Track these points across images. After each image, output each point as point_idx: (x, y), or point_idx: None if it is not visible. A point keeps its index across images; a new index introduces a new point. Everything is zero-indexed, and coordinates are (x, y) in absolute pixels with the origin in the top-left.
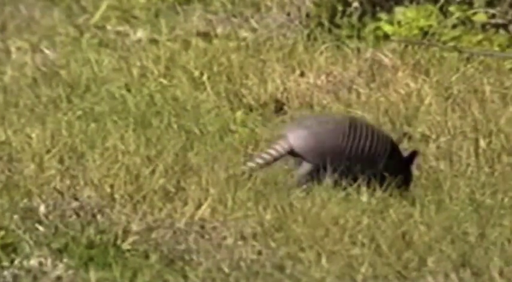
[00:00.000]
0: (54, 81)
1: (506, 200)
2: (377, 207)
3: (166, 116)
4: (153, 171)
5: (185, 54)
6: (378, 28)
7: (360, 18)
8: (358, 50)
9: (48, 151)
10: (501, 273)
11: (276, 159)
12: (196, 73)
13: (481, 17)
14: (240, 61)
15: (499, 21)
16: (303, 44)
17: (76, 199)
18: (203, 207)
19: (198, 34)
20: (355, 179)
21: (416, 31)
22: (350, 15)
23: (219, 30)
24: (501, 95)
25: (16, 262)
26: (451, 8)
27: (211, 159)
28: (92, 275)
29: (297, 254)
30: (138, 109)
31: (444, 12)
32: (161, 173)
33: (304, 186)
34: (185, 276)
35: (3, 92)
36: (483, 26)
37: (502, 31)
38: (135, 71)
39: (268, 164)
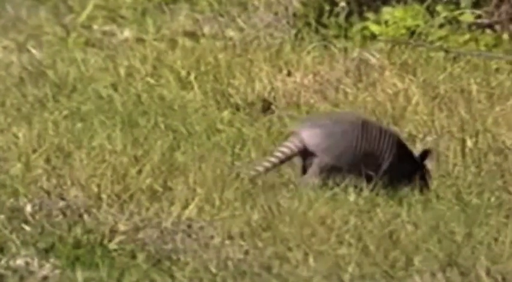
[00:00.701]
0: (40, 81)
1: (492, 199)
2: (364, 207)
3: (153, 115)
4: (140, 171)
5: (172, 54)
6: (365, 28)
7: (347, 18)
8: (345, 49)
9: (34, 151)
10: (488, 273)
11: (288, 157)
12: (183, 72)
13: (467, 17)
14: (227, 61)
15: (485, 21)
16: (290, 43)
17: (63, 199)
18: (190, 206)
19: (185, 33)
20: (367, 180)
21: (403, 31)
22: (337, 15)
23: (205, 29)
24: (488, 94)
25: (2, 262)
26: (438, 8)
27: (198, 159)
28: (79, 274)
29: (284, 253)
30: (125, 109)
31: (431, 12)
32: (148, 172)
33: (314, 184)
34: (172, 276)
35: None
36: (469, 26)
37: (488, 31)
38: (122, 71)
39: (281, 162)
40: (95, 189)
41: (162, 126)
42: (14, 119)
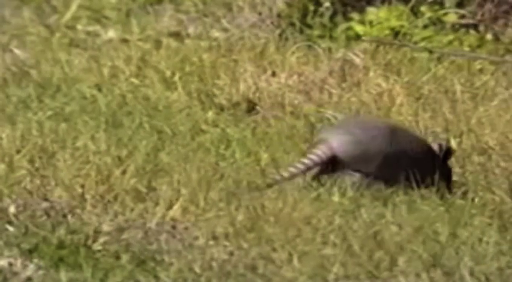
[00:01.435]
0: (24, 81)
1: (477, 200)
2: (349, 207)
3: (137, 116)
4: (124, 172)
5: (156, 54)
6: (349, 28)
7: (331, 18)
8: (330, 50)
9: (18, 151)
10: (472, 273)
11: (316, 165)
12: (168, 73)
13: (451, 18)
14: (211, 61)
15: (470, 21)
16: (274, 44)
17: (46, 199)
18: (174, 207)
19: (170, 34)
20: (397, 184)
21: (387, 31)
22: (321, 16)
23: (190, 30)
24: (472, 95)
25: None
26: (422, 8)
27: (183, 160)
28: (63, 275)
29: (268, 254)
30: (109, 109)
31: (415, 12)
32: (132, 173)
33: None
34: (156, 277)
35: None
36: (453, 26)
37: (472, 32)
38: (106, 71)
39: (309, 169)
40: (79, 190)
41: (147, 126)
42: None
